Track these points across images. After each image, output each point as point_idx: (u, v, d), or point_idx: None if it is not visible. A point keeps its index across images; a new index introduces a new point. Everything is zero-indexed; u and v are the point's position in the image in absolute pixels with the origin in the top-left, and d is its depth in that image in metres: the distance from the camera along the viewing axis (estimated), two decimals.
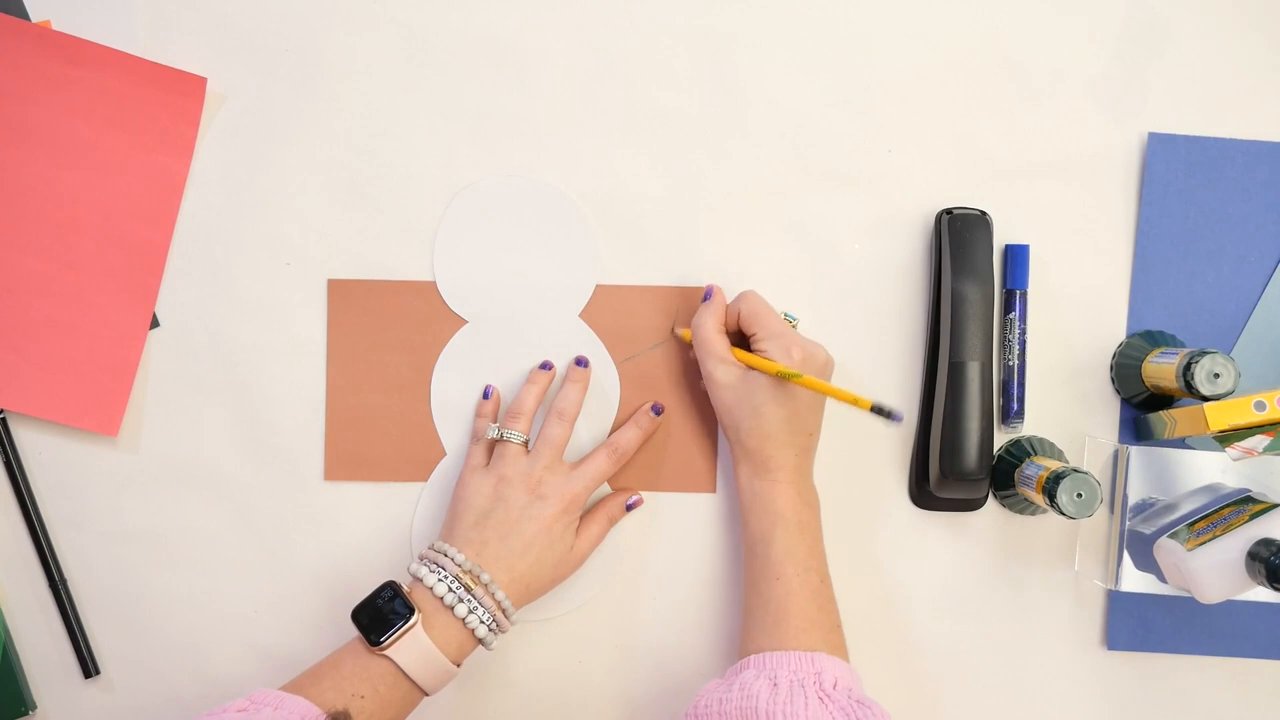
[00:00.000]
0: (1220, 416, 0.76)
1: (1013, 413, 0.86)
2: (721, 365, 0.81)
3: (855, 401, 0.76)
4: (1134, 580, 0.82)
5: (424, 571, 0.77)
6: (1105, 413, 0.87)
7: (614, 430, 0.87)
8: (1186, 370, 0.78)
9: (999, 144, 0.87)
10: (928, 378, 0.86)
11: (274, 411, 0.87)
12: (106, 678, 0.87)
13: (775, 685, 0.73)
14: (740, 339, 0.83)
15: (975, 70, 0.88)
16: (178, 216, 0.87)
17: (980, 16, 0.88)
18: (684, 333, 0.86)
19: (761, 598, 0.79)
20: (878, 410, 0.75)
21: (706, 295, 0.85)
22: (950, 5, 0.88)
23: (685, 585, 0.87)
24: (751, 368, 0.81)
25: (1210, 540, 0.76)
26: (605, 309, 0.87)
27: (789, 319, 0.85)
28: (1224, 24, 0.87)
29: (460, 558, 0.78)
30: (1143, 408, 0.86)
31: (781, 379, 0.79)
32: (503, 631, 0.78)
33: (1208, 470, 0.83)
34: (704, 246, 0.87)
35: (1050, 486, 0.77)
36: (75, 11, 0.86)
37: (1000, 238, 0.87)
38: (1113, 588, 0.84)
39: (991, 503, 0.87)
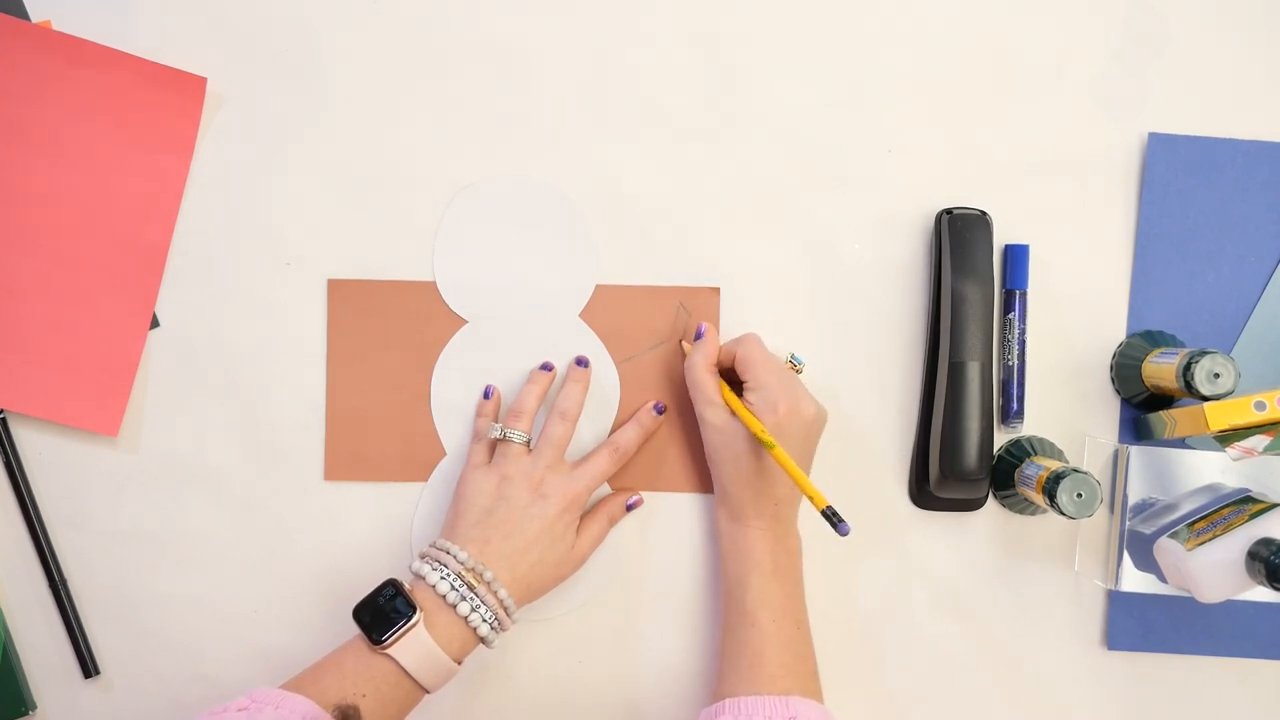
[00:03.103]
0: (1220, 416, 0.76)
1: (1013, 413, 0.86)
2: (709, 407, 0.81)
3: (813, 497, 0.75)
4: (1134, 580, 0.82)
5: (426, 569, 0.77)
6: (1105, 413, 0.87)
7: (614, 430, 0.87)
8: (1186, 370, 0.78)
9: (999, 144, 0.87)
10: (928, 378, 0.86)
11: (274, 411, 0.87)
12: (106, 678, 0.87)
13: None
14: (737, 378, 0.83)
15: (975, 70, 0.88)
16: (178, 216, 0.87)
17: (980, 16, 0.88)
18: (688, 347, 0.86)
19: (736, 642, 0.79)
20: (829, 515, 0.73)
21: (699, 334, 0.84)
22: (951, 5, 0.88)
23: (685, 585, 0.87)
24: (735, 415, 0.80)
25: (1210, 540, 0.76)
26: (605, 309, 0.87)
27: (794, 362, 0.85)
28: (1224, 24, 0.87)
29: (463, 555, 0.78)
30: (1143, 408, 0.86)
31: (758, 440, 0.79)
32: (504, 630, 0.78)
33: (1208, 470, 0.83)
34: (704, 246, 0.87)
35: (1050, 486, 0.77)
36: (75, 11, 0.86)
37: (1000, 238, 0.87)
38: (1113, 588, 0.84)
39: (991, 503, 0.87)
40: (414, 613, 0.75)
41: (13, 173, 0.85)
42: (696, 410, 0.83)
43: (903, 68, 0.88)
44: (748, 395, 0.81)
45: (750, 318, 0.86)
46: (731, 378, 0.83)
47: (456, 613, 0.76)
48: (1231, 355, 0.83)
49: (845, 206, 0.88)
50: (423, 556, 0.79)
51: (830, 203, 0.88)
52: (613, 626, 0.87)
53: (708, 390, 0.82)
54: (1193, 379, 0.78)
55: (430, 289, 0.87)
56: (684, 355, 0.86)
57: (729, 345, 0.84)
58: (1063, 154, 0.87)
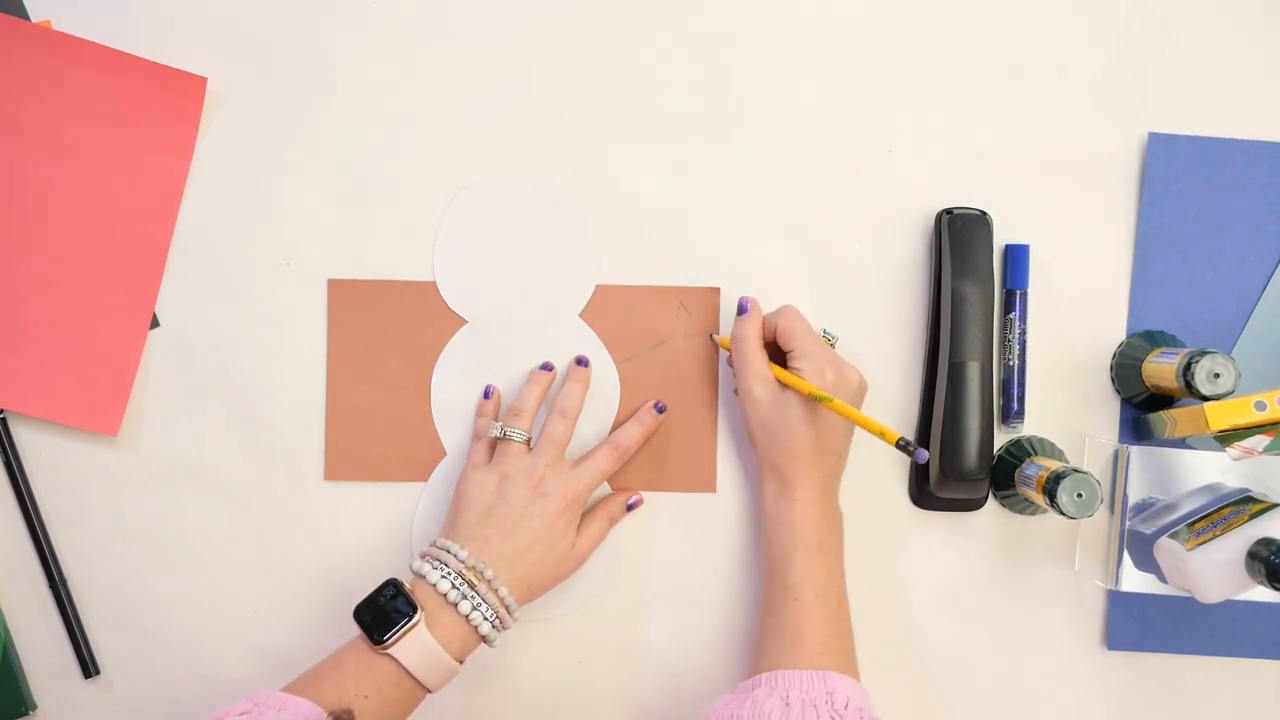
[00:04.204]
0: (1220, 416, 0.76)
1: (1013, 413, 0.86)
2: (759, 382, 0.81)
3: (882, 434, 0.76)
4: (1134, 580, 0.82)
5: (427, 568, 0.77)
6: (1105, 413, 0.87)
7: (615, 429, 0.87)
8: (1186, 370, 0.78)
9: (999, 144, 0.88)
10: (928, 378, 0.86)
11: (274, 411, 0.87)
12: (106, 678, 0.87)
13: (787, 704, 0.73)
14: (775, 351, 0.83)
15: (975, 70, 0.88)
16: (178, 216, 0.87)
17: (981, 16, 0.88)
18: (723, 340, 0.86)
19: (778, 618, 0.79)
20: (903, 445, 0.75)
21: (742, 308, 0.84)
22: (950, 5, 0.88)
23: (685, 585, 0.87)
24: (786, 385, 0.81)
25: (1210, 540, 0.76)
26: (605, 309, 0.87)
27: (828, 337, 0.85)
28: (1224, 24, 0.87)
29: (463, 554, 0.78)
30: (1143, 408, 0.86)
31: (814, 400, 0.79)
32: (505, 629, 0.78)
33: (1208, 470, 0.83)
34: (704, 246, 0.87)
35: (1050, 486, 0.77)
36: (75, 11, 0.86)
37: (1000, 238, 0.87)
38: (1113, 588, 0.84)
39: (991, 503, 0.87)
40: (415, 612, 0.75)
41: (13, 173, 0.85)
42: (744, 386, 0.82)
43: (903, 68, 0.88)
44: (795, 363, 0.81)
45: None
46: (770, 352, 0.83)
47: (458, 611, 0.76)
48: (1231, 355, 0.83)
49: (845, 206, 0.88)
50: (423, 556, 0.79)
51: (830, 203, 0.88)
52: (613, 626, 0.87)
53: (758, 365, 0.82)
54: (1193, 379, 0.78)
55: (430, 289, 0.87)
56: (715, 348, 0.86)
57: (768, 318, 0.84)
58: (1063, 154, 0.87)
